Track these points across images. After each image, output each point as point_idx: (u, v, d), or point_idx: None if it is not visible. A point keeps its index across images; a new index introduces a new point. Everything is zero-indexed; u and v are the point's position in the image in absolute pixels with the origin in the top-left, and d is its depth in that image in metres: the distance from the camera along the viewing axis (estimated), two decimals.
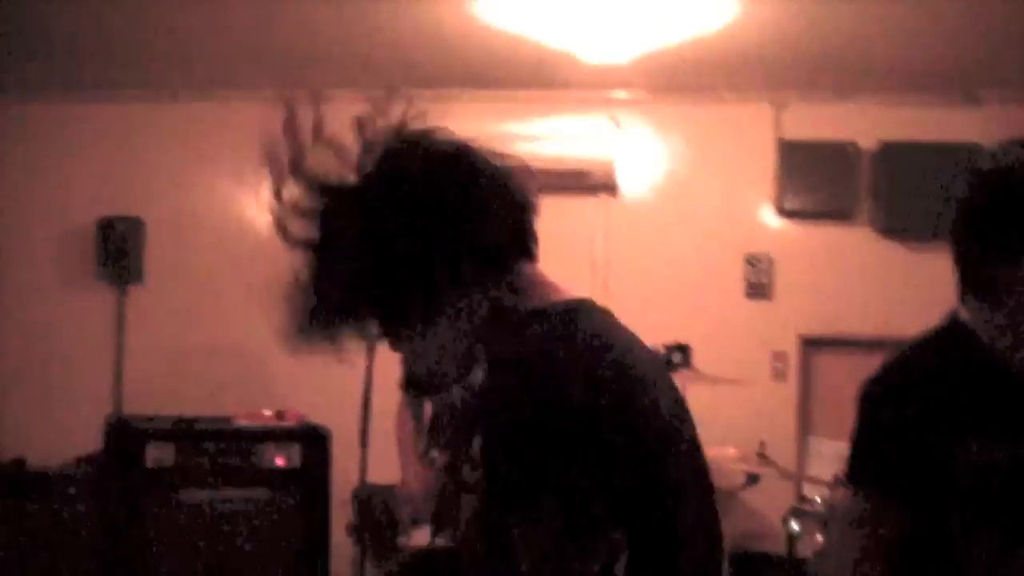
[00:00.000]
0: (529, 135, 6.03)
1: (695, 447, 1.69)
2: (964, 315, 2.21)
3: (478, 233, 1.58)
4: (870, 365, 6.73)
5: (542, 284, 1.70)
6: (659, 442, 1.54)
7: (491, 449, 1.54)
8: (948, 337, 2.25)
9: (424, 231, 1.55)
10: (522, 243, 1.68)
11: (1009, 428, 2.11)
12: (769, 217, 6.27)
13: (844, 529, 2.25)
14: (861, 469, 2.22)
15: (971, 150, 5.87)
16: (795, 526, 4.42)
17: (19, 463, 5.71)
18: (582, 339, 1.57)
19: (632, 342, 1.66)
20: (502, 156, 1.69)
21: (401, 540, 3.72)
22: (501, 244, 1.62)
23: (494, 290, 1.63)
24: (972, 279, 2.15)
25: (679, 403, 1.68)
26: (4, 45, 5.54)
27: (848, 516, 2.23)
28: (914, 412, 2.13)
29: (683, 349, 3.53)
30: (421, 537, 3.68)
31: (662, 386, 1.62)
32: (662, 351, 3.49)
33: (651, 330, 3.69)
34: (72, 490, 5.42)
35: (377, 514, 3.85)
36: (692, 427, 1.70)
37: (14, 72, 6.05)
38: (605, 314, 1.72)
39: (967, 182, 2.16)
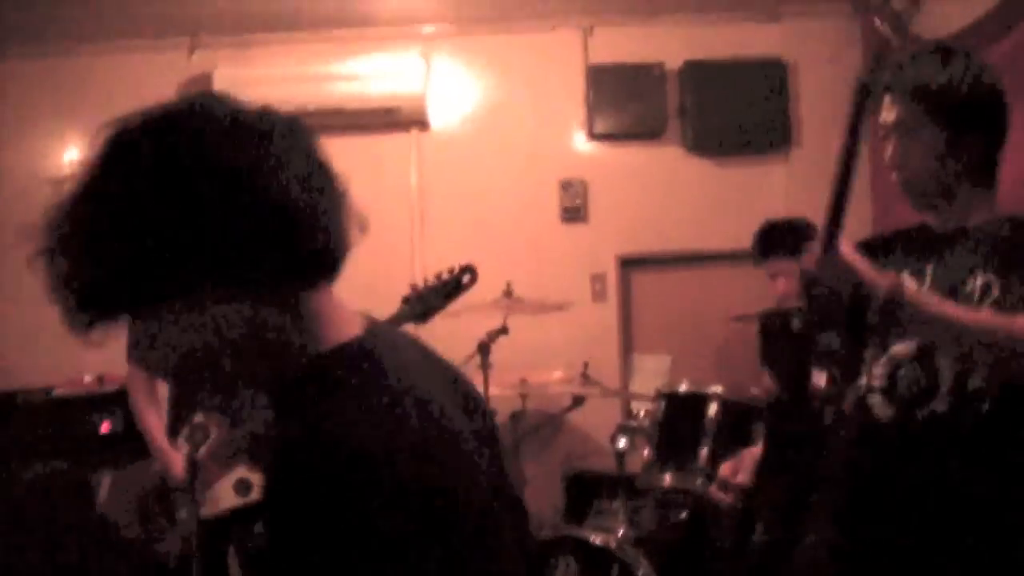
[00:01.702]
0: (337, 75, 5.96)
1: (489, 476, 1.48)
2: None
3: (203, 234, 1.27)
4: (685, 280, 6.96)
5: (326, 319, 1.42)
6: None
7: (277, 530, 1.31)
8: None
9: (145, 210, 1.26)
10: (297, 267, 1.35)
11: (901, 266, 2.43)
12: (581, 141, 6.33)
13: None
14: None
15: (770, 64, 6.06)
16: (622, 442, 4.52)
17: None
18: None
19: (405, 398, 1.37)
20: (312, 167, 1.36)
21: (180, 514, 3.75)
22: (244, 256, 1.29)
23: (263, 310, 1.34)
24: None
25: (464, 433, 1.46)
26: None
27: None
28: None
29: (470, 270, 3.57)
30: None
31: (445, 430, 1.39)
32: (446, 276, 3.54)
33: (470, 259, 3.74)
34: None
35: (145, 493, 3.82)
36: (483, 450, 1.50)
37: None
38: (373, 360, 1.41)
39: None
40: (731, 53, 6.12)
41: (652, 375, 5.37)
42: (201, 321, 1.32)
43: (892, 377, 2.36)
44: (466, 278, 3.60)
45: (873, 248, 2.55)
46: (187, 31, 6.09)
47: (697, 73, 6.13)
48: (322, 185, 1.35)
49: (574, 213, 6.26)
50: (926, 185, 2.40)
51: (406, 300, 3.49)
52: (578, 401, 5.19)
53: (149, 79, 6.14)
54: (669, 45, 6.22)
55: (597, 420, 5.52)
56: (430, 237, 6.14)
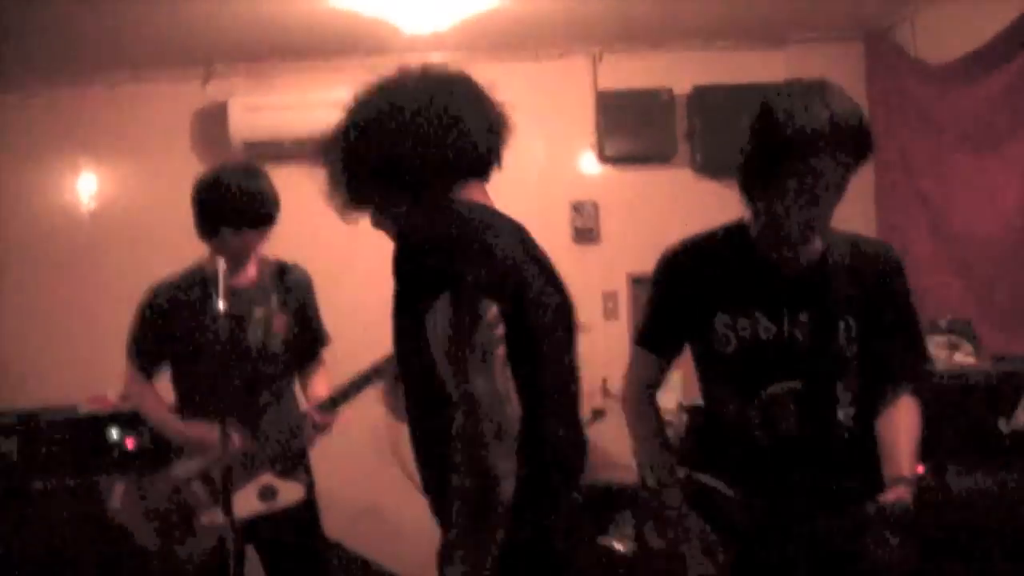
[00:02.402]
0: None
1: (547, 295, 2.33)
2: (746, 217, 2.68)
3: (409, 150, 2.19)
4: None
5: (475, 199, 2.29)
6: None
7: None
8: (728, 231, 2.75)
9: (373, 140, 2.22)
10: (454, 166, 2.25)
11: (753, 307, 2.60)
12: (591, 165, 6.50)
13: (627, 375, 2.90)
14: (639, 332, 2.86)
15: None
16: None
17: None
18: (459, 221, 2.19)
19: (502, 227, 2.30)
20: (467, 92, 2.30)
21: (203, 520, 3.71)
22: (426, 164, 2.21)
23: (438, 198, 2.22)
24: (749, 191, 2.61)
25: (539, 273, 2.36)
26: None
27: (630, 365, 2.89)
28: (680, 287, 2.76)
29: None
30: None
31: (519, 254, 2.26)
32: None
33: None
34: None
35: (162, 501, 3.78)
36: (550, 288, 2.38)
37: None
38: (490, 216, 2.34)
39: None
40: (737, 79, 6.26)
41: (665, 390, 5.46)
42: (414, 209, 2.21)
43: (768, 413, 2.58)
44: None
45: (697, 271, 2.74)
46: (201, 61, 6.22)
47: (705, 98, 6.28)
48: (482, 119, 2.30)
49: (586, 234, 6.42)
50: (825, 224, 2.54)
51: None
52: (598, 414, 5.30)
53: (164, 109, 6.29)
54: (677, 71, 6.38)
55: (615, 435, 5.63)
56: None
